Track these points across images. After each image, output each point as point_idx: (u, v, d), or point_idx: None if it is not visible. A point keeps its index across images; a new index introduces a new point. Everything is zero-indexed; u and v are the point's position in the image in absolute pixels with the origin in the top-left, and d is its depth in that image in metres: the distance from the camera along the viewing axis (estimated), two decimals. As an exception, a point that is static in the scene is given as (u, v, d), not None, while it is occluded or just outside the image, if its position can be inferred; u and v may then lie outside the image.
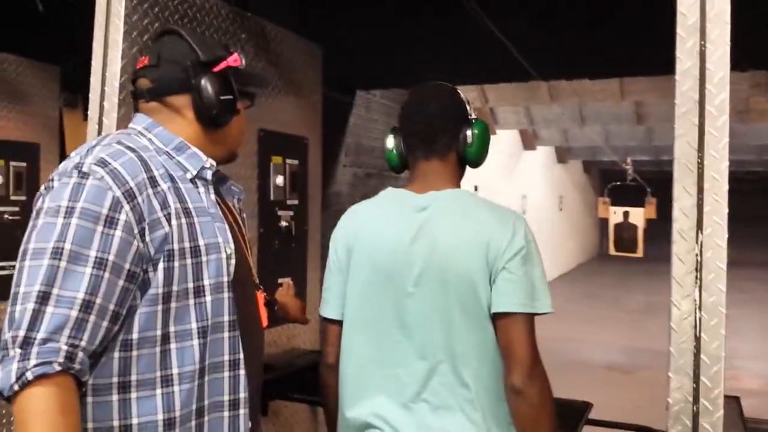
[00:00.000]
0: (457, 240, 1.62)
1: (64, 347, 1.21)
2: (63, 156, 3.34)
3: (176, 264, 1.37)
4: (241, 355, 1.47)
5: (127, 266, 1.30)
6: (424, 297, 1.63)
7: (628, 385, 7.04)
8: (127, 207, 1.31)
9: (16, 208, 3.45)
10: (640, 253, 10.07)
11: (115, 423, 1.32)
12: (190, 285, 1.39)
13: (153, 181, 1.38)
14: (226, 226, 1.49)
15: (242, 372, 1.47)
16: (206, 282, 1.42)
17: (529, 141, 14.03)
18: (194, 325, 1.40)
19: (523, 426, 1.58)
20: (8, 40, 3.44)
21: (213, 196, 1.51)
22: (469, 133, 1.76)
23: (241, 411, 1.47)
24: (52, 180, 1.35)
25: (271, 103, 2.71)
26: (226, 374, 1.45)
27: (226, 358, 1.45)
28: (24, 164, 3.48)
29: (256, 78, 1.88)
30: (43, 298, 1.22)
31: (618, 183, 11.73)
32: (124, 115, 1.94)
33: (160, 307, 1.35)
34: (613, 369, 7.99)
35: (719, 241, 1.40)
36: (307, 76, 2.99)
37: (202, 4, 2.27)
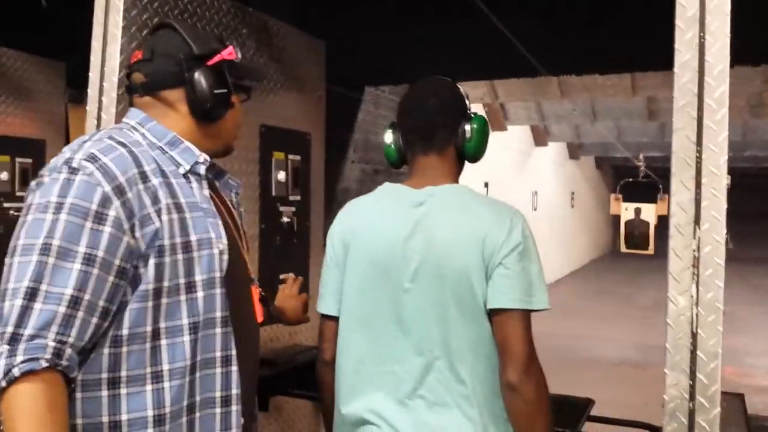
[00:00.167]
0: (453, 235, 1.61)
1: (52, 344, 1.20)
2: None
3: (167, 260, 1.36)
4: (234, 352, 1.46)
5: (116, 262, 1.30)
6: (421, 293, 1.62)
7: (638, 381, 6.98)
8: (116, 203, 1.31)
9: (22, 204, 3.44)
10: (651, 250, 10.00)
11: (105, 419, 1.32)
12: (182, 281, 1.38)
13: (144, 177, 1.37)
14: (220, 222, 1.48)
15: (234, 368, 1.47)
16: (198, 278, 1.41)
17: (540, 137, 13.96)
18: (185, 321, 1.39)
19: (518, 423, 1.57)
20: (13, 36, 3.46)
21: (206, 191, 1.50)
22: (467, 127, 1.74)
23: (233, 407, 1.47)
24: (43, 176, 1.35)
25: (273, 99, 2.70)
26: (218, 370, 1.44)
27: (218, 354, 1.44)
28: (30, 160, 3.49)
29: (253, 71, 1.87)
30: (32, 295, 1.21)
31: (630, 179, 11.67)
32: (123, 110, 1.93)
33: (150, 303, 1.34)
34: (624, 366, 7.95)
35: (717, 237, 1.38)
36: (310, 71, 2.98)
37: (203, -2, 2.27)
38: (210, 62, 1.51)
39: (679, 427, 1.40)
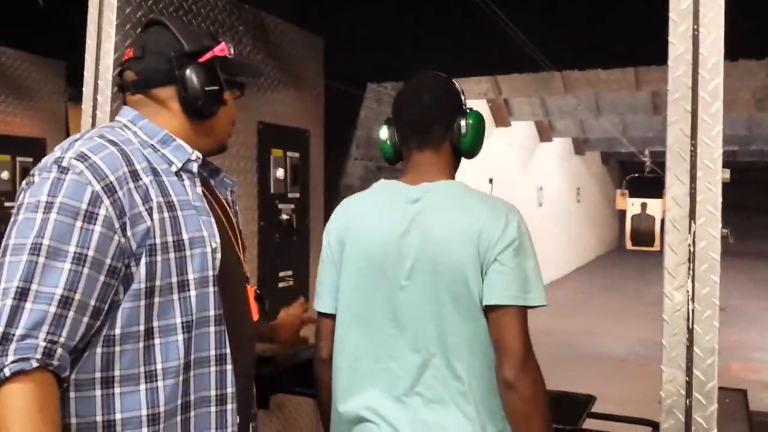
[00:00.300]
0: (448, 232, 1.60)
1: (43, 343, 1.20)
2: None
3: (159, 258, 1.36)
4: (228, 350, 1.46)
5: (107, 261, 1.29)
6: (417, 290, 1.61)
7: (643, 377, 6.95)
8: (107, 201, 1.30)
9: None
10: (657, 246, 9.97)
11: (99, 418, 1.31)
12: (174, 279, 1.38)
13: (134, 175, 1.37)
14: (213, 220, 1.48)
15: (229, 367, 1.46)
16: (190, 276, 1.40)
17: (545, 132, 13.92)
18: (178, 320, 1.38)
19: (515, 420, 1.56)
20: (13, 36, 3.46)
21: (199, 189, 1.50)
22: (463, 123, 1.73)
23: (229, 406, 1.46)
24: (33, 175, 1.34)
25: (270, 96, 2.70)
26: (213, 369, 1.44)
27: (213, 352, 1.44)
28: (30, 159, 3.50)
29: (246, 68, 1.86)
30: (22, 294, 1.21)
31: (636, 175, 11.64)
32: (119, 108, 1.93)
33: (143, 302, 1.34)
34: (630, 361, 7.93)
35: (713, 231, 1.37)
36: (309, 68, 2.97)
37: (199, -5, 2.26)
38: (201, 59, 1.50)
39: (676, 424, 1.39)
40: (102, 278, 1.29)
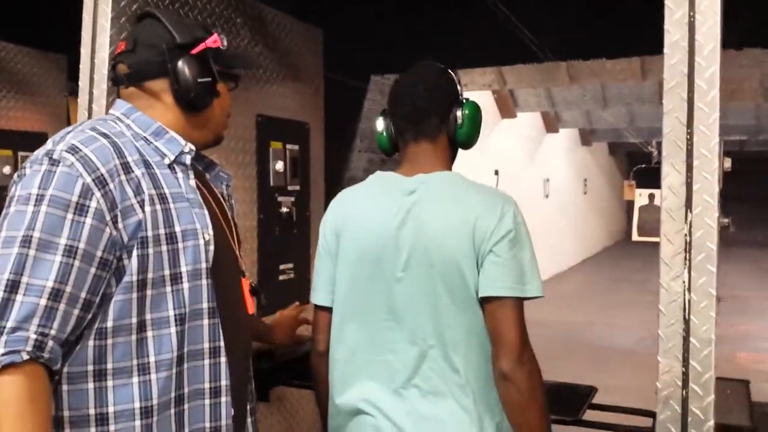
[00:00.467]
0: (444, 223, 1.59)
1: (33, 336, 1.20)
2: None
3: (151, 251, 1.35)
4: (222, 343, 1.46)
5: (99, 254, 1.29)
6: (413, 282, 1.61)
7: (651, 368, 6.93)
8: (98, 194, 1.30)
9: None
10: (664, 236, 9.90)
11: (91, 411, 1.31)
12: (167, 272, 1.38)
13: (126, 168, 1.36)
14: (206, 212, 1.47)
15: (223, 359, 1.46)
16: (183, 269, 1.40)
17: (551, 124, 13.86)
18: (171, 313, 1.38)
19: (512, 412, 1.56)
20: (14, 31, 3.46)
21: (192, 182, 1.49)
22: (459, 113, 1.72)
23: (223, 398, 1.46)
24: (25, 167, 1.34)
25: (269, 89, 2.69)
26: (206, 362, 1.44)
27: (206, 345, 1.44)
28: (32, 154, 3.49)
29: (241, 59, 1.85)
30: (12, 287, 1.21)
31: (644, 165, 11.59)
32: (114, 101, 1.93)
33: (135, 295, 1.34)
34: (636, 353, 7.90)
35: (709, 221, 1.35)
36: (308, 60, 2.95)
37: (195, -12, 2.25)
38: (194, 51, 1.49)
39: (673, 415, 1.38)
40: (93, 270, 1.28)
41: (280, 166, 2.70)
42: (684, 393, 1.36)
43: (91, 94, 1.92)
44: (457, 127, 1.72)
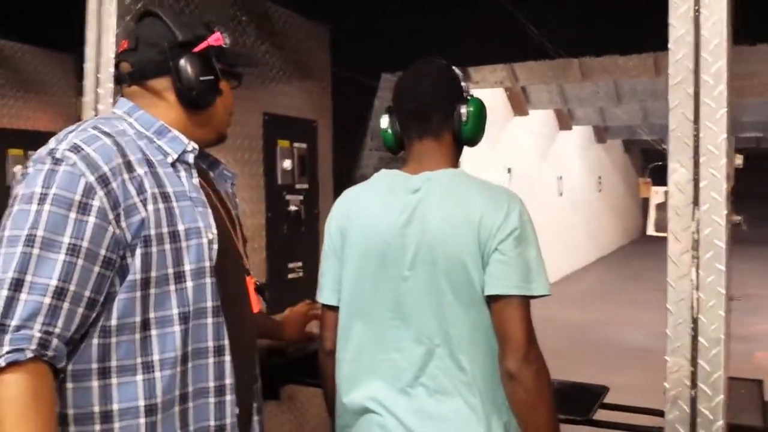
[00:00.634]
0: (448, 221, 1.58)
1: (38, 334, 1.21)
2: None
3: (154, 249, 1.35)
4: (226, 341, 1.46)
5: (102, 252, 1.30)
6: (419, 280, 1.60)
7: (665, 367, 6.89)
8: (100, 192, 1.30)
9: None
10: (679, 234, 9.81)
11: (96, 409, 1.32)
12: (170, 270, 1.38)
13: (129, 166, 1.36)
14: (209, 211, 1.47)
15: (228, 358, 1.46)
16: (187, 267, 1.40)
17: (564, 121, 13.78)
18: (175, 311, 1.39)
19: (519, 411, 1.54)
20: (23, 31, 3.47)
21: (195, 180, 1.49)
22: (463, 110, 1.70)
23: (228, 397, 1.46)
24: (28, 167, 1.35)
25: (276, 87, 2.68)
26: (211, 360, 1.44)
27: (210, 344, 1.44)
28: (37, 153, 3.50)
29: (244, 56, 1.85)
30: (17, 286, 1.22)
31: (659, 163, 11.48)
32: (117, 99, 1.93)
33: (138, 293, 1.34)
34: (652, 351, 7.83)
35: (717, 218, 1.33)
36: (315, 58, 2.95)
37: (200, -14, 2.25)
38: (196, 49, 1.49)
39: (681, 415, 1.36)
40: (96, 269, 1.29)
41: (287, 164, 2.69)
42: (693, 393, 1.34)
43: (96, 93, 1.92)
44: (461, 124, 1.70)
